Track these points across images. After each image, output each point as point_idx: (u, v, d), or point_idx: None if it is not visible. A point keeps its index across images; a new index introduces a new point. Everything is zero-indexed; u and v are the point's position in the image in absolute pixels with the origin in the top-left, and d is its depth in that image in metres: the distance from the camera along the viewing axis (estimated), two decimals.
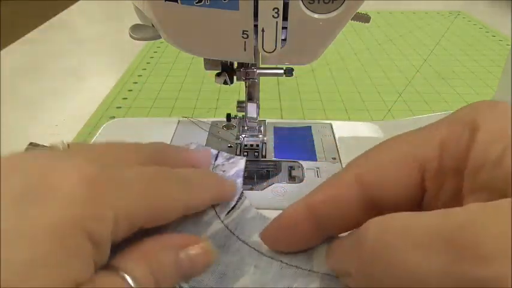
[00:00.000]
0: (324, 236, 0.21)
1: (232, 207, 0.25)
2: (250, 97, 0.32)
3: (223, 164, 0.29)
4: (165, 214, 0.20)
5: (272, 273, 0.22)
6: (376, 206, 0.19)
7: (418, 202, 0.19)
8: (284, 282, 0.21)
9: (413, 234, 0.14)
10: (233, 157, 0.30)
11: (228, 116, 0.36)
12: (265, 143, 0.34)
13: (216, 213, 0.24)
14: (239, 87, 0.51)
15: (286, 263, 0.22)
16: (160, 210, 0.20)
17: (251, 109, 0.33)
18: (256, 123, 0.34)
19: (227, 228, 0.24)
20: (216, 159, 0.29)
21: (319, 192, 0.20)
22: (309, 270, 0.22)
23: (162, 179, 0.21)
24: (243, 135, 0.34)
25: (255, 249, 0.23)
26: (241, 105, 0.33)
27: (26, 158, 0.17)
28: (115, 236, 0.17)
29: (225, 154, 0.29)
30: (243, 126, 0.34)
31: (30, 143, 0.30)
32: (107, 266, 0.17)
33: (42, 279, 0.14)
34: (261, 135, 0.34)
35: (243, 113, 0.34)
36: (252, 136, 0.34)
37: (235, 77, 0.31)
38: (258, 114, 0.33)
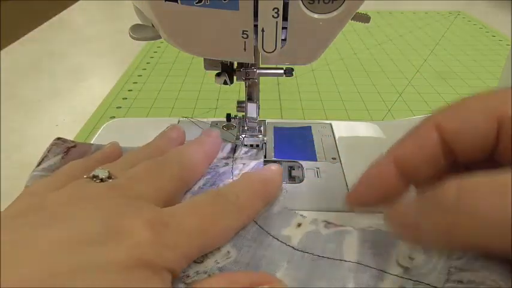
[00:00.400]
0: (407, 187, 0.22)
1: None
2: (250, 97, 0.32)
3: (241, 158, 0.32)
4: (218, 243, 0.23)
5: (305, 268, 0.22)
6: (453, 153, 0.20)
7: (491, 152, 0.20)
8: (318, 276, 0.22)
9: (495, 187, 0.16)
10: (251, 150, 0.33)
11: (228, 116, 0.36)
12: (265, 143, 0.34)
13: None
14: (239, 87, 0.51)
15: (318, 255, 0.23)
16: (214, 241, 0.23)
17: (251, 109, 0.33)
18: (256, 123, 0.34)
19: (256, 223, 0.25)
20: (234, 152, 0.32)
21: (403, 143, 0.22)
22: (340, 260, 0.22)
23: (213, 209, 0.23)
24: (243, 135, 0.34)
25: (286, 244, 0.24)
26: (241, 105, 0.33)
27: (102, 199, 0.21)
28: (176, 269, 0.20)
29: (243, 147, 0.32)
30: (243, 126, 0.34)
31: (58, 138, 0.30)
32: None
33: None
34: (260, 135, 0.34)
35: (243, 113, 0.34)
36: (252, 136, 0.34)
37: (235, 77, 0.31)
38: (258, 114, 0.33)
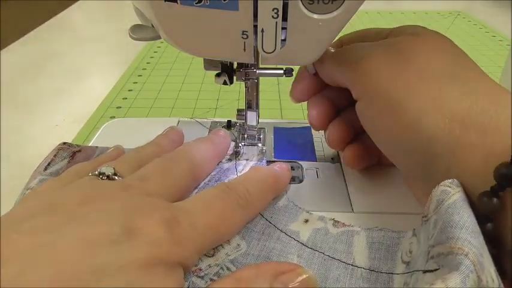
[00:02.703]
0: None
1: None
2: (250, 105, 0.32)
3: (245, 153, 0.33)
4: (230, 235, 0.24)
5: (316, 266, 0.23)
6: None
7: None
8: (332, 280, 0.22)
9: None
10: (254, 145, 0.34)
11: (229, 123, 0.36)
12: (264, 152, 0.34)
13: None
14: (239, 87, 0.51)
15: (329, 256, 0.23)
16: (225, 234, 0.23)
17: (251, 117, 0.33)
18: (255, 131, 0.34)
19: (263, 216, 0.26)
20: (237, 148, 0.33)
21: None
22: (352, 265, 0.23)
23: (223, 203, 0.23)
24: (243, 143, 0.34)
25: (294, 238, 0.24)
26: (241, 114, 0.33)
27: (116, 199, 0.21)
28: (188, 264, 0.21)
29: (245, 143, 0.34)
30: (243, 134, 0.34)
31: (64, 143, 0.31)
32: None
33: None
34: (260, 144, 0.34)
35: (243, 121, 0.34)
36: (252, 145, 0.34)
37: (235, 77, 0.31)
38: (257, 122, 0.33)
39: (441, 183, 0.20)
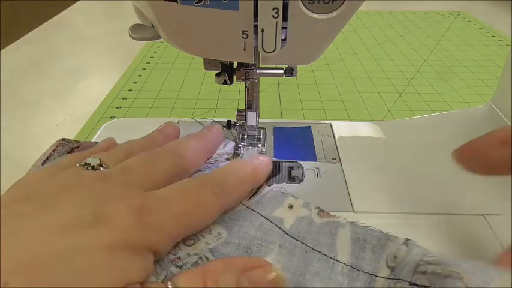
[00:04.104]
0: None
1: (254, 193, 0.27)
2: (250, 106, 0.32)
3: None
4: (203, 223, 0.23)
5: (297, 259, 0.22)
6: None
7: None
8: (311, 274, 0.22)
9: None
10: (254, 146, 0.33)
11: (229, 122, 0.36)
12: (264, 153, 0.34)
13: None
14: (239, 87, 0.51)
15: (311, 247, 0.23)
16: (198, 222, 0.23)
17: (250, 118, 0.33)
18: (255, 132, 0.34)
19: (249, 208, 0.26)
20: (225, 147, 0.33)
21: None
22: (333, 259, 0.22)
23: (198, 191, 0.23)
24: (243, 143, 0.34)
25: (277, 225, 0.24)
26: (240, 114, 0.33)
27: (91, 187, 0.21)
28: (160, 249, 0.21)
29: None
30: (243, 135, 0.34)
31: (63, 139, 0.31)
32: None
33: (100, 279, 0.17)
34: (260, 145, 0.34)
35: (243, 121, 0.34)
36: (252, 145, 0.34)
37: (235, 77, 0.31)
38: (257, 122, 0.33)
39: None
